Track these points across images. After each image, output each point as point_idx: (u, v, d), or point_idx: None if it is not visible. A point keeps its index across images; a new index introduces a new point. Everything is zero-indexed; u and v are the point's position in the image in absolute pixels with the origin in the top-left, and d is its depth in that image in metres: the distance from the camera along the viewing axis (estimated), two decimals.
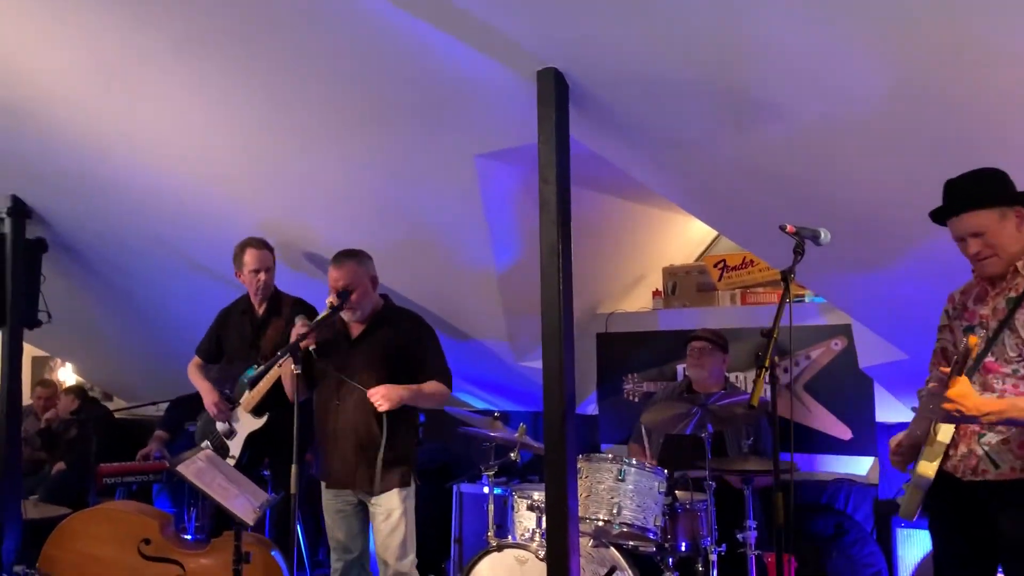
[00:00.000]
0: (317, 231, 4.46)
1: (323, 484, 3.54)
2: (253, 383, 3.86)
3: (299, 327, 3.35)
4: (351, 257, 3.43)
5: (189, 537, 4.73)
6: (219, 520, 4.02)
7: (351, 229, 4.25)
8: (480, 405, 5.95)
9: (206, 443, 4.01)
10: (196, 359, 4.24)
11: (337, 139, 3.78)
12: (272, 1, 3.06)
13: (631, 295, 5.39)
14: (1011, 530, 2.36)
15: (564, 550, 2.84)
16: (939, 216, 2.50)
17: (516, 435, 3.93)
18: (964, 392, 2.22)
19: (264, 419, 3.92)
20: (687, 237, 5.38)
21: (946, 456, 2.50)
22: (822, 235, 2.56)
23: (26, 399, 6.92)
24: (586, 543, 3.53)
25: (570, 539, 2.86)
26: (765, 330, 2.38)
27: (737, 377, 4.67)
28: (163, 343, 6.15)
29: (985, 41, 2.37)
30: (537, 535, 3.50)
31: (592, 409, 5.29)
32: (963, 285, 2.63)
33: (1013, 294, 2.41)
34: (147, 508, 4.02)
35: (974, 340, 2.19)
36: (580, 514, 3.20)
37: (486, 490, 4.02)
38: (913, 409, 2.58)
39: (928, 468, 2.50)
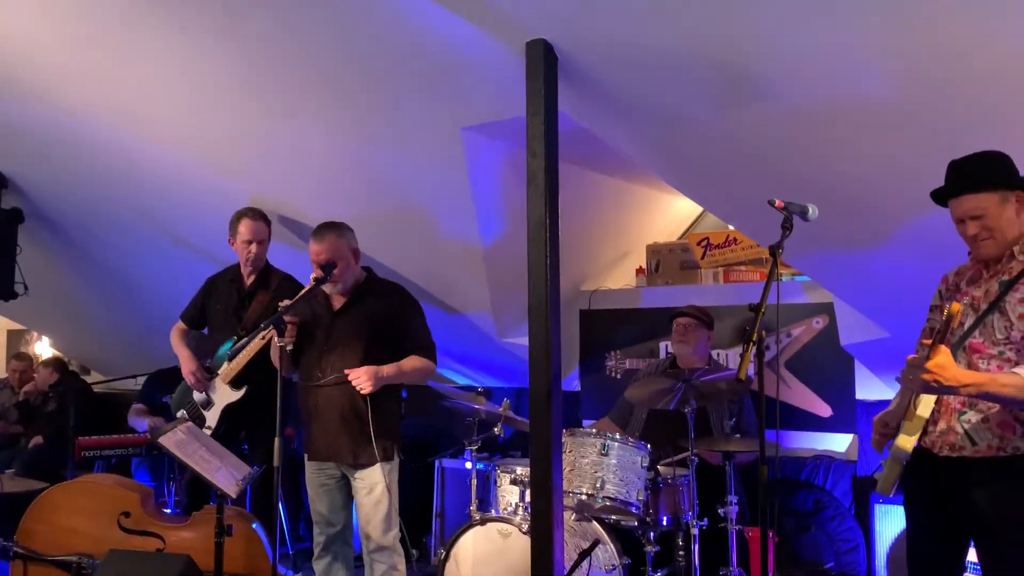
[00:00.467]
0: (302, 203, 4.42)
1: (306, 457, 3.52)
2: (233, 355, 3.82)
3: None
4: (332, 229, 3.38)
5: (169, 510, 4.72)
6: (195, 494, 4.00)
7: (336, 201, 4.21)
8: (463, 381, 5.95)
9: (182, 412, 3.98)
10: (180, 324, 4.21)
11: (323, 110, 3.73)
12: None
13: (614, 272, 5.39)
14: (985, 506, 2.38)
15: (548, 524, 2.85)
16: (940, 196, 2.50)
17: (500, 410, 3.94)
18: (943, 363, 2.22)
19: (242, 392, 3.89)
20: (671, 215, 5.38)
21: (925, 432, 2.52)
22: (810, 210, 2.56)
23: (0, 372, 6.86)
24: (569, 517, 3.55)
25: (555, 513, 2.87)
26: (753, 305, 2.38)
27: (720, 354, 4.69)
28: (142, 316, 6.09)
29: (986, 25, 2.37)
30: (520, 509, 3.52)
31: (574, 386, 5.30)
32: (958, 266, 2.64)
33: (1006, 277, 2.42)
34: (127, 481, 3.98)
35: (957, 307, 2.20)
36: (563, 488, 3.21)
37: (469, 465, 4.03)
38: (898, 379, 2.59)
39: (907, 442, 2.52)
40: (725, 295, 4.77)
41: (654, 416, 4.19)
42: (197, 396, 3.98)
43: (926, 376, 2.23)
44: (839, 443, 4.41)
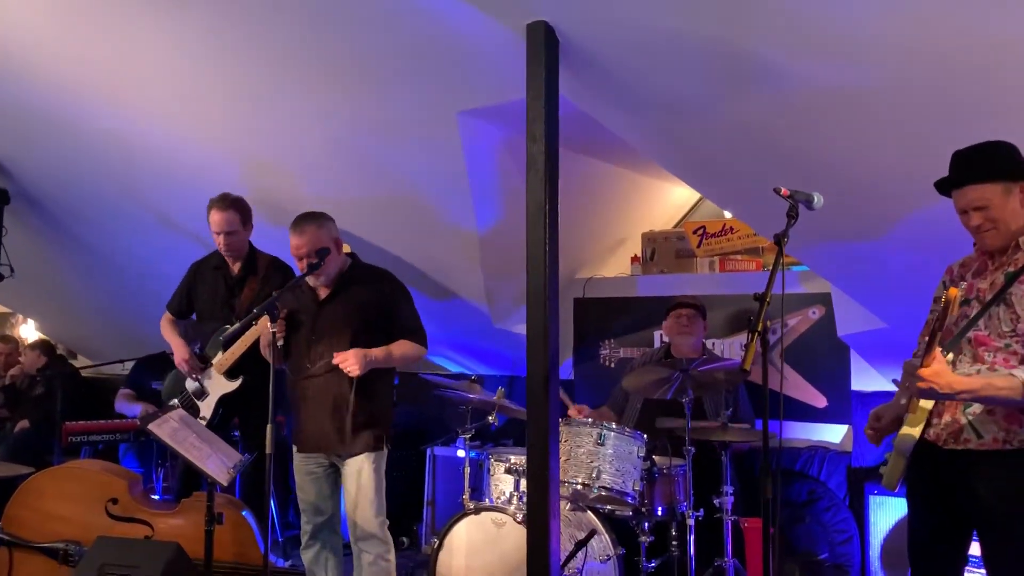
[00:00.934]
0: (295, 185, 4.35)
1: (294, 448, 3.47)
2: (227, 343, 3.76)
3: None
4: (310, 221, 3.31)
5: (157, 497, 4.66)
6: (187, 481, 3.95)
7: (328, 183, 4.15)
8: (455, 369, 5.91)
9: (175, 401, 3.92)
10: (167, 314, 4.13)
11: (316, 91, 3.66)
12: None
13: (610, 260, 5.35)
14: (989, 499, 2.36)
15: (545, 514, 2.82)
16: (944, 186, 2.47)
17: (495, 398, 3.90)
18: (938, 371, 2.23)
19: (238, 382, 3.83)
20: (667, 203, 5.34)
21: (929, 424, 2.50)
22: (815, 199, 2.52)
23: None
24: (564, 507, 3.52)
25: (551, 503, 2.83)
26: (758, 294, 2.34)
27: (714, 344, 4.67)
28: (130, 300, 6.01)
29: (993, 12, 2.33)
30: (515, 498, 3.49)
31: (568, 374, 5.27)
32: (963, 258, 2.61)
33: (1012, 269, 2.39)
34: (114, 467, 3.93)
35: (954, 292, 2.18)
36: (559, 477, 3.17)
37: (461, 453, 4.00)
38: (894, 382, 2.57)
39: (910, 434, 2.50)
40: (721, 284, 4.74)
41: (650, 406, 4.17)
42: (190, 385, 3.92)
43: (922, 385, 2.25)
44: (834, 434, 4.40)
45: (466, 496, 3.78)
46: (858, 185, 3.11)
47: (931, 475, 2.51)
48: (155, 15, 3.41)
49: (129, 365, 5.52)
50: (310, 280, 3.35)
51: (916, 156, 2.81)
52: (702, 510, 3.59)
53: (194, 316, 4.17)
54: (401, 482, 4.81)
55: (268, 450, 3.02)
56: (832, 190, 2.70)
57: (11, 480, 3.63)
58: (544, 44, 2.85)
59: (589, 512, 3.57)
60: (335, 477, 3.42)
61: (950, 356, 2.41)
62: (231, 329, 3.49)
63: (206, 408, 3.87)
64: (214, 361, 3.86)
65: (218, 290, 4.00)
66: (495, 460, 3.82)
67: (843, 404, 4.36)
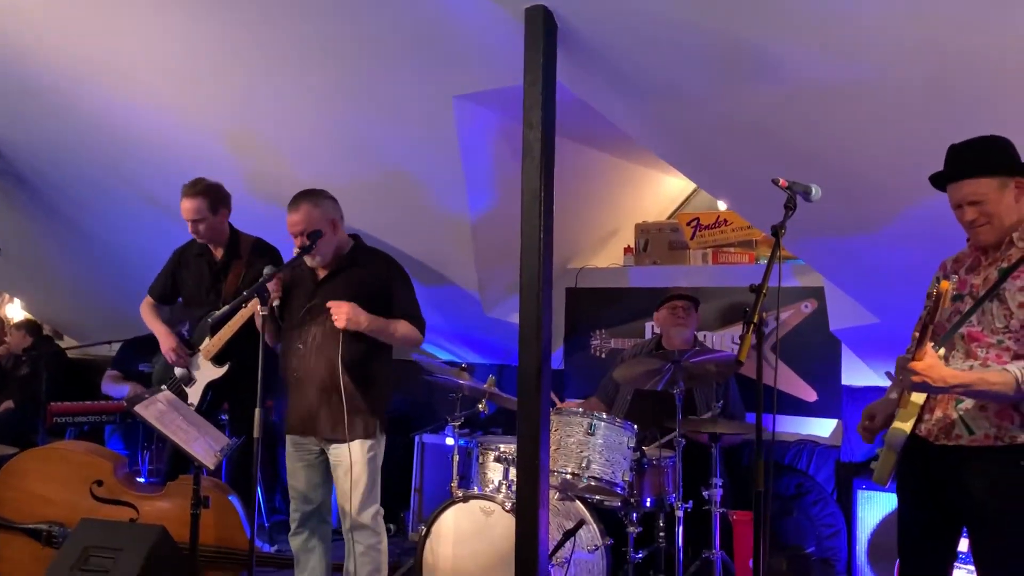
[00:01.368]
0: (286, 165, 4.29)
1: (286, 432, 3.43)
2: (214, 328, 3.71)
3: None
4: (307, 198, 3.25)
5: (143, 480, 4.64)
6: (174, 464, 3.92)
7: (320, 165, 4.11)
8: (445, 357, 5.89)
9: (163, 387, 3.87)
10: (148, 299, 4.07)
11: (309, 71, 3.61)
12: None
13: (602, 250, 5.33)
14: (980, 495, 2.36)
15: (534, 503, 2.80)
16: (939, 181, 2.46)
17: (485, 386, 3.88)
18: (931, 364, 2.23)
19: (225, 368, 3.79)
20: (661, 194, 5.32)
21: (920, 419, 2.49)
22: (813, 191, 2.50)
23: None
24: (553, 496, 3.51)
25: (541, 493, 2.81)
26: (754, 286, 2.32)
27: (706, 336, 4.66)
28: (117, 280, 5.96)
29: (994, 10, 2.31)
30: (504, 487, 3.47)
31: (559, 364, 5.26)
32: (956, 253, 2.60)
33: (1005, 264, 2.38)
34: (100, 449, 3.90)
35: (945, 285, 2.17)
36: (549, 467, 3.15)
37: (450, 441, 3.98)
38: (888, 375, 2.57)
39: (902, 428, 2.49)
40: (713, 276, 4.73)
41: (640, 397, 4.16)
42: (178, 372, 3.88)
43: (915, 379, 2.25)
44: (823, 428, 4.40)
45: (454, 484, 3.76)
46: (854, 179, 3.10)
47: (922, 470, 2.51)
48: None
49: (116, 346, 5.49)
50: (307, 260, 3.29)
51: (912, 151, 2.80)
52: (691, 502, 3.58)
53: (180, 301, 4.13)
54: (389, 469, 4.78)
55: (256, 434, 2.99)
56: (829, 184, 2.68)
57: None
58: (543, 29, 2.81)
59: (578, 502, 3.56)
60: (325, 466, 3.35)
61: (941, 351, 2.40)
62: (218, 314, 3.45)
63: (194, 394, 3.83)
64: (201, 347, 3.82)
65: (203, 276, 3.95)
66: (484, 448, 3.81)
67: (833, 398, 4.36)
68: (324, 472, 3.38)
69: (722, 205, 4.84)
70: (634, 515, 3.54)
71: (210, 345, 3.75)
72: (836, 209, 3.20)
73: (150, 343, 4.09)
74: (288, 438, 3.41)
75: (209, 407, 3.85)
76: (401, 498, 4.94)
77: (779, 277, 2.33)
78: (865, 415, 2.65)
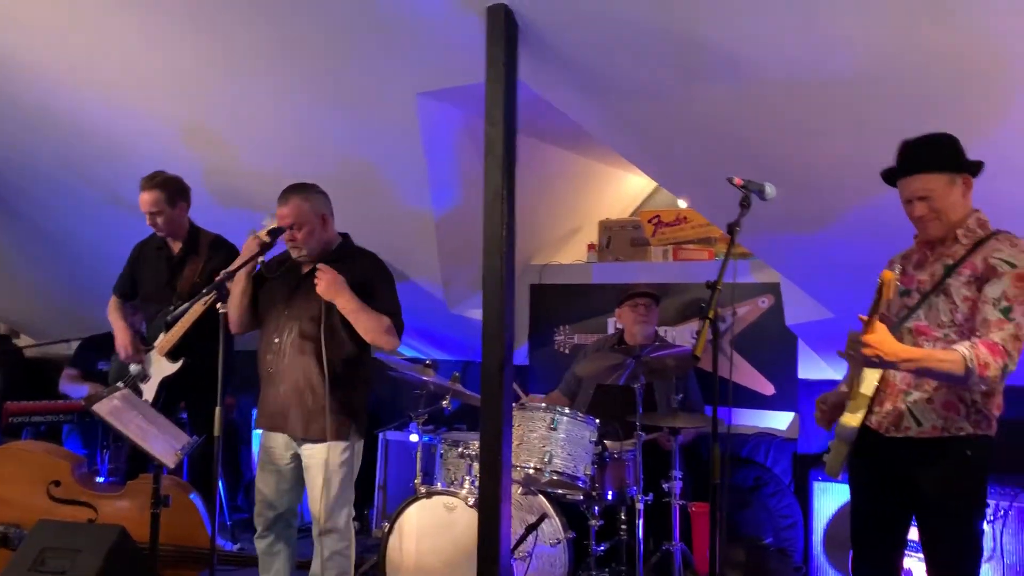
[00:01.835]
0: (244, 161, 4.27)
1: (255, 427, 3.36)
2: (169, 325, 3.68)
3: (250, 242, 3.15)
4: (297, 192, 3.19)
5: (102, 479, 4.57)
6: (134, 463, 3.88)
7: (281, 161, 4.08)
8: (409, 354, 5.89)
9: (119, 384, 3.83)
10: (114, 298, 4.03)
11: (270, 66, 3.59)
12: None
13: (566, 247, 5.37)
14: (928, 486, 2.44)
15: (496, 498, 2.82)
16: (890, 176, 2.52)
17: (449, 383, 3.89)
18: (882, 338, 2.26)
19: (179, 364, 3.75)
20: (623, 191, 5.38)
21: (871, 411, 2.56)
22: (768, 189, 2.55)
23: None
24: (516, 491, 3.54)
25: (503, 487, 2.84)
26: (710, 282, 2.37)
27: (666, 331, 4.72)
28: (75, 278, 5.86)
29: (943, 9, 2.37)
30: (467, 482, 3.49)
31: (523, 360, 5.29)
32: (905, 250, 2.67)
33: (951, 260, 2.46)
34: (57, 449, 3.85)
35: (888, 275, 2.21)
36: (511, 462, 3.18)
37: (414, 438, 3.98)
38: (840, 353, 2.60)
39: (852, 420, 2.55)
40: (674, 273, 4.79)
41: (602, 391, 4.20)
42: (133, 368, 3.84)
43: (866, 351, 2.27)
44: (781, 421, 4.49)
45: (418, 480, 3.77)
46: (807, 176, 3.16)
47: (873, 462, 2.57)
48: None
49: (74, 345, 5.39)
50: (292, 253, 3.23)
51: (863, 148, 2.86)
52: (651, 494, 3.63)
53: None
54: None
55: (216, 432, 2.97)
56: (783, 180, 2.73)
57: None
58: (504, 28, 2.83)
59: (540, 496, 3.60)
60: (296, 471, 3.27)
61: None
62: (176, 311, 3.41)
63: (148, 391, 3.79)
64: (156, 343, 3.79)
65: (160, 271, 3.92)
66: (447, 445, 3.82)
67: (790, 392, 4.45)
68: (293, 478, 3.29)
69: (682, 203, 4.91)
70: (596, 508, 3.58)
71: (164, 341, 3.72)
72: (790, 206, 3.26)
73: (109, 341, 4.04)
74: (261, 438, 3.34)
75: (167, 405, 3.81)
76: (365, 495, 4.93)
77: (734, 274, 2.38)
78: (818, 403, 2.71)
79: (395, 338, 3.20)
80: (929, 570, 2.46)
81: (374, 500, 4.91)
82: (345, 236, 3.40)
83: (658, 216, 4.97)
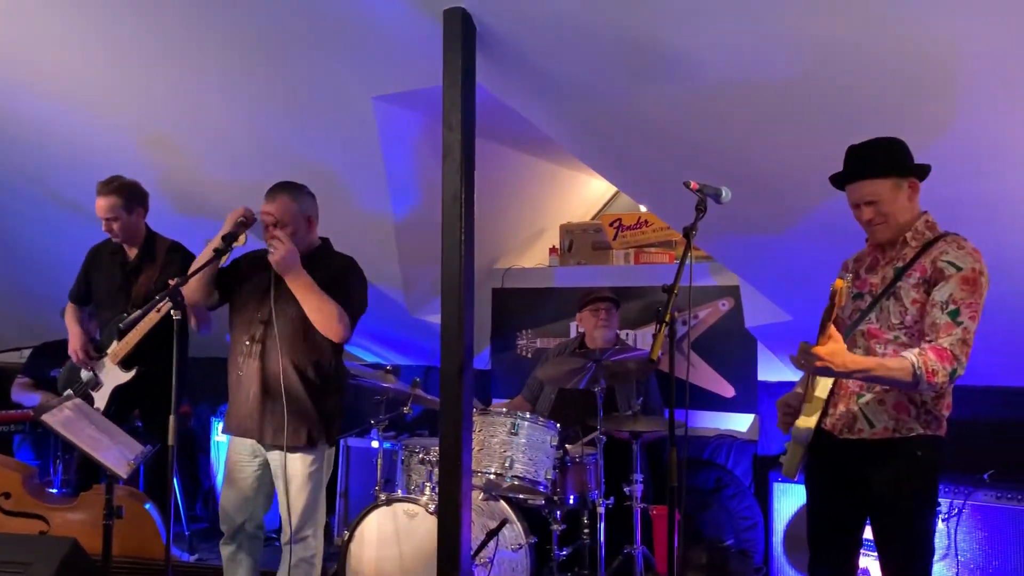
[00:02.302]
0: (202, 168, 4.20)
1: (223, 431, 3.27)
2: (122, 332, 3.61)
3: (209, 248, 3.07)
4: (286, 191, 3.13)
5: (55, 491, 4.47)
6: (87, 473, 3.80)
7: (236, 165, 4.03)
8: (370, 359, 5.85)
9: (69, 392, 3.75)
10: (70, 304, 3.96)
11: (226, 70, 3.54)
12: None
13: (528, 251, 5.38)
14: (881, 486, 2.47)
15: (456, 504, 2.81)
16: (838, 181, 2.55)
17: (410, 388, 3.87)
18: (834, 349, 2.29)
19: (132, 373, 3.68)
20: (585, 195, 5.39)
21: (825, 414, 2.59)
22: (723, 193, 2.57)
23: None
24: (476, 496, 3.53)
25: (463, 493, 2.83)
26: (667, 286, 2.37)
27: (628, 335, 4.74)
28: (27, 285, 5.72)
29: (892, 11, 2.41)
30: (428, 489, 3.47)
31: (485, 364, 5.28)
32: (857, 252, 2.71)
33: (900, 263, 2.49)
34: (7, 460, 3.75)
35: (839, 283, 2.24)
36: (472, 468, 3.16)
37: (375, 444, 3.95)
38: (792, 357, 2.63)
39: (807, 423, 2.59)
40: (635, 276, 4.82)
41: (563, 395, 4.21)
42: (85, 375, 3.77)
43: (819, 364, 2.31)
44: (741, 423, 4.53)
45: (379, 487, 3.74)
46: (763, 179, 3.19)
47: (827, 464, 2.61)
48: None
49: (26, 353, 5.27)
50: (272, 251, 3.11)
51: (818, 151, 2.89)
52: (612, 498, 3.64)
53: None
54: None
55: (170, 442, 2.91)
56: (739, 183, 2.76)
57: None
58: (461, 31, 2.83)
59: (502, 501, 3.59)
60: (265, 479, 3.19)
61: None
62: (130, 318, 3.35)
63: (100, 399, 3.72)
64: (109, 351, 3.72)
65: (115, 277, 3.85)
66: (408, 451, 3.80)
67: (750, 394, 4.50)
68: (259, 488, 3.21)
69: (643, 207, 4.93)
70: (558, 513, 3.58)
71: (117, 349, 3.65)
72: (747, 209, 3.29)
73: (63, 348, 3.96)
74: (230, 442, 3.26)
75: (120, 413, 3.74)
76: (328, 503, 4.87)
77: (690, 277, 2.39)
78: (781, 405, 2.74)
79: (345, 328, 3.09)
80: (883, 569, 2.50)
81: (336, 508, 4.86)
82: (325, 240, 3.34)
83: (619, 220, 5.00)
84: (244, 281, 3.20)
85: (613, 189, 5.34)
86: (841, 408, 2.55)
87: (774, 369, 4.43)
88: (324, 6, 3.04)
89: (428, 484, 3.49)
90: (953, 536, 3.44)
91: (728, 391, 4.56)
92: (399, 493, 3.56)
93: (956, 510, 3.45)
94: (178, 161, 4.22)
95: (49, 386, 4.78)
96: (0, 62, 3.81)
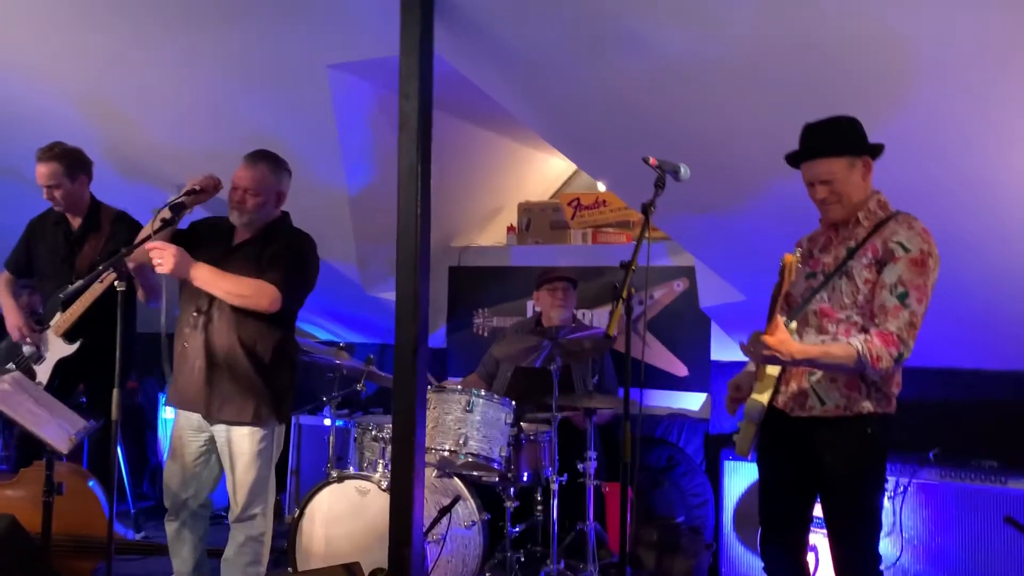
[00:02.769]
0: (149, 136, 4.08)
1: (166, 403, 3.19)
2: (66, 303, 3.49)
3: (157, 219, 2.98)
4: (267, 161, 3.07)
5: None
6: (27, 449, 3.68)
7: (186, 134, 3.92)
8: (325, 336, 5.77)
9: (10, 366, 3.63)
10: (5, 273, 3.81)
11: (175, 36, 3.43)
12: None
13: (486, 230, 5.33)
14: (831, 464, 2.50)
15: (409, 480, 2.78)
16: (794, 160, 2.55)
17: (363, 365, 3.82)
18: (781, 339, 2.33)
19: (76, 346, 3.57)
20: (544, 174, 5.36)
21: (777, 391, 2.61)
22: (682, 170, 2.56)
23: None
24: (430, 473, 3.50)
25: (416, 470, 2.80)
26: (624, 262, 2.36)
27: (584, 314, 4.74)
28: None
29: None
30: (380, 466, 3.43)
31: (441, 343, 5.24)
32: (811, 232, 2.72)
33: (853, 243, 2.51)
34: None
35: (789, 258, 2.26)
36: (426, 445, 3.14)
37: (327, 422, 3.90)
38: (741, 345, 2.65)
39: (759, 400, 2.60)
40: (593, 256, 4.81)
41: (519, 374, 4.19)
42: (27, 349, 3.64)
43: (766, 352, 2.34)
44: (693, 402, 4.56)
45: (330, 465, 3.70)
46: (718, 157, 3.18)
47: (780, 441, 2.63)
48: None
49: None
50: (232, 217, 3.06)
51: (772, 130, 2.88)
52: (566, 475, 3.64)
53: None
54: None
55: (114, 416, 2.83)
56: (695, 161, 2.73)
57: None
58: None
59: (456, 479, 3.57)
60: (211, 455, 3.13)
61: (793, 325, 2.51)
62: (72, 288, 3.23)
63: (43, 373, 3.60)
64: (51, 323, 3.60)
65: (58, 247, 3.71)
66: (361, 428, 3.75)
67: (703, 373, 4.53)
68: (205, 464, 3.15)
69: (602, 186, 4.92)
70: (511, 490, 3.57)
71: (61, 321, 3.53)
72: (702, 187, 3.27)
73: (2, 322, 3.82)
74: (176, 417, 3.18)
75: (64, 388, 3.63)
76: (278, 481, 4.80)
77: (648, 255, 2.38)
78: (731, 387, 2.76)
79: (271, 301, 2.96)
80: (832, 546, 2.53)
81: (287, 485, 4.79)
82: (285, 215, 3.24)
83: (578, 199, 4.98)
84: (199, 248, 3.08)
85: (572, 168, 5.32)
86: (793, 386, 2.57)
87: (727, 349, 4.46)
88: None
89: (381, 461, 3.45)
90: (899, 513, 3.51)
91: (681, 370, 4.59)
92: (351, 470, 3.52)
93: (902, 488, 3.52)
94: (127, 129, 4.09)
95: None
96: None
